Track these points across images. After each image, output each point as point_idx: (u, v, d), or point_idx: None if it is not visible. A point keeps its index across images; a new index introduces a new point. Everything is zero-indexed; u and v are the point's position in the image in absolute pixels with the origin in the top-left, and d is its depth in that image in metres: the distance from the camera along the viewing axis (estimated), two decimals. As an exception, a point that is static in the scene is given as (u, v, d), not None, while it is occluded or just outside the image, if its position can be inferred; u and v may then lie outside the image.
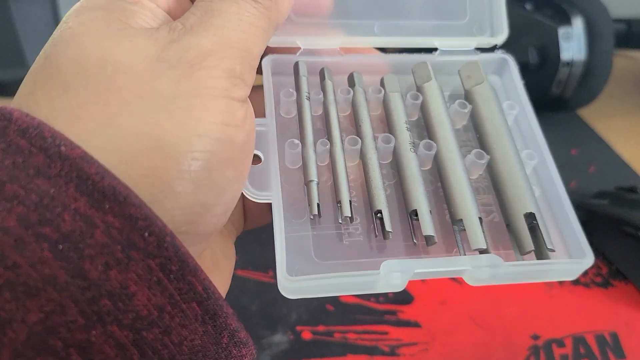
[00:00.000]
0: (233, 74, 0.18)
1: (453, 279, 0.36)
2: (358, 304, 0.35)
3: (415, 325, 0.35)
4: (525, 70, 0.50)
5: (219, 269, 0.22)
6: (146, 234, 0.15)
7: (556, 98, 0.53)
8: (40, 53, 0.19)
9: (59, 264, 0.15)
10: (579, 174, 0.50)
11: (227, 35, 0.18)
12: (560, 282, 0.38)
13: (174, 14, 0.20)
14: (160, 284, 0.16)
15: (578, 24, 0.49)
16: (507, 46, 0.37)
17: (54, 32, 0.19)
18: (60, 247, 0.15)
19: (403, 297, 0.36)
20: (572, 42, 0.49)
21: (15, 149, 0.16)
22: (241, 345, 0.18)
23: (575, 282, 0.39)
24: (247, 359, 0.19)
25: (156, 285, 0.16)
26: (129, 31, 0.18)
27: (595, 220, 0.41)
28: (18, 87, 0.19)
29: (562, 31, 0.49)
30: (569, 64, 0.49)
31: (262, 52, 0.20)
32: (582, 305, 0.38)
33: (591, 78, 0.50)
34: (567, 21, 0.49)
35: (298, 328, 0.34)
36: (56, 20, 0.57)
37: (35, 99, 0.17)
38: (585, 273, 0.37)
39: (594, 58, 0.49)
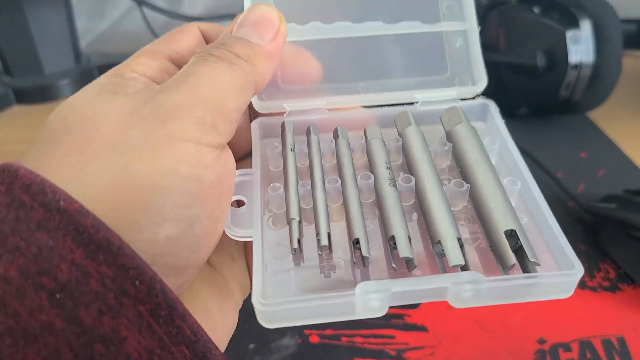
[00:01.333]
0: (203, 123, 0.20)
1: None
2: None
3: (422, 329, 0.35)
4: (534, 73, 0.52)
5: (211, 322, 0.22)
6: (137, 282, 0.17)
7: (565, 101, 0.53)
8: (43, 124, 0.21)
9: (56, 311, 0.16)
10: (588, 177, 0.49)
11: (199, 91, 0.20)
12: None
13: None
14: (150, 328, 0.17)
15: (586, 27, 0.49)
16: (514, 50, 0.38)
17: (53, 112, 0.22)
18: (57, 296, 0.16)
19: (410, 302, 0.36)
20: (581, 45, 0.49)
21: (19, 204, 0.17)
22: None
23: (583, 287, 0.39)
24: None
25: (146, 329, 0.17)
26: (114, 96, 0.21)
27: (603, 224, 0.41)
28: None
29: (570, 34, 0.49)
30: (578, 66, 0.49)
31: (242, 107, 0.22)
32: (589, 310, 0.37)
33: (600, 80, 0.50)
34: (575, 24, 0.49)
35: (306, 332, 0.35)
36: (71, 28, 0.61)
37: (29, 154, 0.20)
38: (593, 277, 0.38)
39: (603, 60, 0.49)
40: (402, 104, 0.28)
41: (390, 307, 0.21)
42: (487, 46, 0.55)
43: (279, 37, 0.24)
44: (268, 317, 0.20)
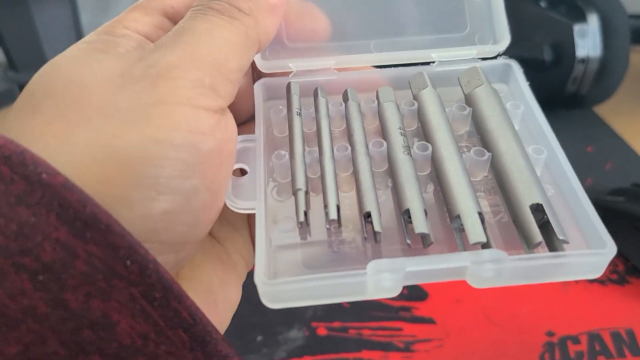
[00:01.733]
0: (201, 85, 0.18)
1: None
2: (373, 300, 0.35)
3: (430, 321, 0.36)
4: (540, 67, 0.52)
5: (212, 298, 0.21)
6: (128, 262, 0.15)
7: (572, 95, 0.53)
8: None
9: (39, 294, 0.15)
10: (595, 171, 0.50)
11: (196, 49, 0.19)
12: (576, 280, 0.36)
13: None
14: (143, 311, 0.16)
15: (593, 21, 0.49)
16: (521, 44, 0.36)
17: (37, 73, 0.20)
18: (41, 277, 0.15)
19: (418, 294, 0.37)
20: (588, 39, 0.49)
21: None
22: None
23: (591, 280, 0.39)
24: None
25: (140, 313, 0.16)
26: (102, 55, 0.19)
27: (611, 217, 0.38)
28: None
29: (577, 28, 0.49)
30: (585, 61, 0.50)
31: (244, 66, 0.20)
32: (597, 302, 0.38)
33: (607, 75, 0.50)
34: (582, 18, 0.49)
35: (314, 324, 0.35)
36: (76, 23, 0.61)
37: (9, 123, 0.18)
38: None
39: (610, 55, 0.49)
40: (417, 64, 0.26)
41: (399, 300, 0.19)
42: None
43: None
44: (272, 297, 0.19)
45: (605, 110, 0.58)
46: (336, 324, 0.35)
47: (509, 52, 0.48)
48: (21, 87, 0.60)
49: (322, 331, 0.35)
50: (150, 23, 0.21)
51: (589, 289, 0.39)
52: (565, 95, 0.53)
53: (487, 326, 0.36)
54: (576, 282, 0.39)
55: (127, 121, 0.17)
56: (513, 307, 0.38)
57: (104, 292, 0.15)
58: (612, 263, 0.40)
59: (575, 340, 0.36)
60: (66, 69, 0.19)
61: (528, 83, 0.25)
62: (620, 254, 0.37)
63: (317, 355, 0.34)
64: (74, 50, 0.20)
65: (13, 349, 0.14)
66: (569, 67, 0.50)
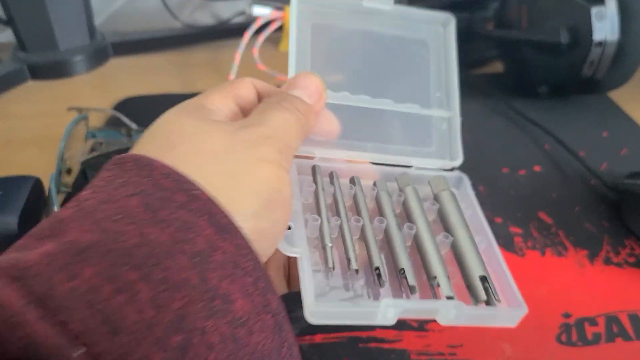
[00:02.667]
0: (281, 152, 0.26)
1: None
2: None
3: None
4: (557, 51, 0.52)
5: None
6: (248, 259, 0.22)
7: (587, 80, 0.53)
8: (145, 133, 0.27)
9: (193, 271, 0.20)
10: (610, 157, 0.51)
11: (277, 131, 0.27)
12: (592, 262, 0.40)
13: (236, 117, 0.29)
14: (250, 296, 0.21)
15: (611, 4, 0.48)
16: (537, 27, 0.41)
17: (154, 125, 0.27)
18: (194, 260, 0.20)
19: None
20: (605, 22, 0.48)
21: (162, 188, 0.22)
22: (294, 357, 0.23)
23: (608, 263, 0.40)
24: None
25: (249, 296, 0.21)
26: (212, 120, 0.27)
27: (628, 200, 0.43)
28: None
29: (595, 10, 0.48)
30: (602, 44, 0.49)
31: (298, 146, 0.29)
32: (615, 285, 0.39)
33: (624, 59, 0.50)
34: (600, 0, 0.48)
35: None
36: (86, 5, 0.64)
37: (144, 154, 0.24)
38: (618, 253, 0.41)
39: (628, 39, 0.48)
40: (400, 166, 0.37)
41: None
42: (509, 23, 0.59)
43: (322, 100, 0.32)
44: (316, 315, 0.28)
45: (620, 96, 0.58)
46: (337, 285, 0.33)
47: (526, 36, 0.52)
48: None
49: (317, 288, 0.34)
50: (227, 105, 0.29)
51: (606, 272, 0.39)
52: (581, 79, 0.52)
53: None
54: (592, 264, 0.40)
55: (240, 165, 0.24)
56: (529, 289, 0.35)
57: (230, 277, 0.21)
58: (630, 246, 0.41)
59: (593, 322, 0.36)
60: (189, 124, 0.26)
61: (472, 192, 0.37)
62: (637, 238, 0.42)
63: (330, 333, 0.35)
64: (181, 111, 0.27)
65: (176, 304, 0.19)
66: (586, 50, 0.49)
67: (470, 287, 0.31)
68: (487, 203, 0.47)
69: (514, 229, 0.45)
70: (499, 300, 0.30)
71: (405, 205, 0.35)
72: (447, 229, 0.34)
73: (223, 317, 0.20)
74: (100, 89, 0.71)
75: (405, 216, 0.35)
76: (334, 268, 0.31)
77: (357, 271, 0.30)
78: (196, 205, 0.22)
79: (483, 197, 0.48)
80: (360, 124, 0.36)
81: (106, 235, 0.20)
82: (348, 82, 0.36)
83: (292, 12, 0.35)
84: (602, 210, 0.46)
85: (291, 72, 0.35)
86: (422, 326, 0.36)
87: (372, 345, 0.35)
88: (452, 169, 0.38)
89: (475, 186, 0.47)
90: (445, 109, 0.39)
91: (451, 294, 0.30)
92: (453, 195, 0.35)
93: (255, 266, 0.22)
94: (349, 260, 0.31)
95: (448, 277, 0.31)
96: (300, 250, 0.30)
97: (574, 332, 0.35)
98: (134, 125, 0.58)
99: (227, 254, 0.21)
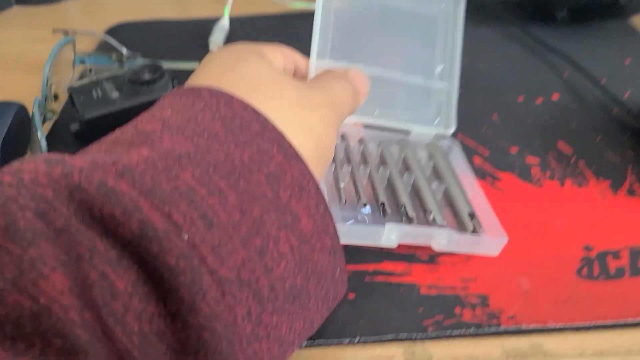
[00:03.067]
0: (337, 118, 0.30)
1: (495, 188, 0.40)
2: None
3: None
4: None
5: None
6: (310, 184, 0.25)
7: (610, 4, 0.52)
8: (206, 67, 0.30)
9: (268, 188, 0.23)
10: (633, 84, 0.49)
11: (337, 100, 0.31)
12: (615, 193, 0.39)
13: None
14: (313, 216, 0.24)
15: None
16: None
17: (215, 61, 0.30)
18: (269, 178, 0.23)
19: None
20: None
21: (240, 116, 0.25)
22: (343, 284, 0.27)
23: (632, 194, 0.39)
24: (341, 295, 0.27)
25: (312, 216, 0.24)
26: (280, 71, 0.30)
27: None
28: None
29: None
30: None
31: (346, 117, 0.33)
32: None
33: None
34: None
35: None
36: None
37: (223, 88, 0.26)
38: None
39: None
40: (400, 130, 0.42)
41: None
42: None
43: (366, 90, 0.35)
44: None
45: None
46: (350, 219, 0.36)
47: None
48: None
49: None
50: (279, 60, 0.33)
51: (630, 203, 0.37)
52: (602, 3, 0.51)
53: (518, 239, 0.35)
54: (615, 195, 0.39)
55: (306, 119, 0.28)
56: (548, 221, 0.36)
57: (297, 196, 0.24)
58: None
59: (616, 255, 0.34)
60: (263, 69, 0.29)
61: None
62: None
63: None
64: (249, 54, 0.30)
65: (257, 212, 0.22)
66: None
67: (459, 221, 0.36)
68: (502, 132, 0.45)
69: (531, 159, 0.43)
70: (482, 231, 0.35)
71: (404, 161, 0.40)
72: (440, 179, 0.39)
73: (292, 230, 0.23)
74: (91, 15, 0.68)
75: (405, 169, 0.40)
76: (345, 203, 0.36)
77: (365, 204, 0.36)
78: (268, 135, 0.24)
79: (497, 125, 0.46)
80: (370, 92, 0.39)
81: (198, 149, 0.22)
82: (363, 54, 0.40)
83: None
84: (626, 140, 0.44)
85: (314, 44, 0.38)
86: (432, 259, 0.35)
87: (380, 278, 0.34)
88: (446, 136, 0.43)
89: (488, 114, 0.45)
90: (445, 81, 0.43)
91: (444, 224, 0.35)
92: (445, 154, 0.41)
93: (316, 191, 0.25)
94: (359, 197, 0.36)
95: (441, 212, 0.36)
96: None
97: (595, 265, 0.34)
98: (124, 51, 0.54)
99: (294, 177, 0.24)
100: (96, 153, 0.22)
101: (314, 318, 0.25)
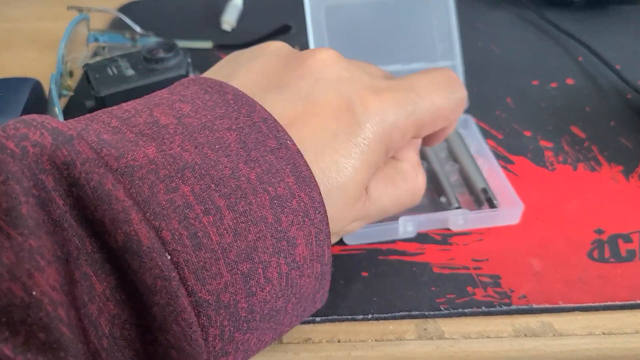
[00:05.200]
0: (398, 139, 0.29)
1: (509, 171, 0.40)
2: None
3: None
4: None
5: None
6: (317, 212, 0.23)
7: None
8: (231, 65, 0.28)
9: (270, 211, 0.22)
10: None
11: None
12: (628, 178, 0.39)
13: None
14: (311, 245, 0.23)
15: None
16: None
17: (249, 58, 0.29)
18: (274, 202, 0.22)
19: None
20: None
21: (258, 129, 0.23)
22: (322, 302, 0.27)
23: None
24: (316, 309, 0.27)
25: (309, 244, 0.23)
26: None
27: None
28: None
29: None
30: None
31: None
32: None
33: None
34: None
35: None
36: None
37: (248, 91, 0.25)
38: None
39: None
40: None
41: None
42: None
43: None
44: (350, 238, 0.35)
45: None
46: None
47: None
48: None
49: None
50: None
51: None
52: None
53: (530, 221, 0.36)
54: (627, 180, 0.39)
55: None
56: (559, 204, 0.37)
57: (299, 224, 0.22)
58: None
59: (627, 238, 0.34)
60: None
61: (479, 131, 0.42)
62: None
63: (348, 245, 0.35)
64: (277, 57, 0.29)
65: (251, 236, 0.21)
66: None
67: (474, 197, 0.37)
68: (516, 116, 0.45)
69: (544, 143, 0.43)
70: (497, 205, 0.36)
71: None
72: (455, 159, 0.40)
73: (285, 257, 0.22)
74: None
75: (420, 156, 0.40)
76: None
77: None
78: (284, 154, 0.23)
79: (511, 109, 0.46)
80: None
81: (206, 161, 0.21)
82: (362, 53, 0.40)
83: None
84: (639, 125, 0.44)
85: (311, 44, 0.39)
86: (445, 240, 0.35)
87: (393, 257, 0.34)
88: None
89: (502, 98, 0.45)
90: (449, 59, 0.43)
91: (457, 205, 0.36)
92: (459, 134, 0.41)
93: (322, 219, 0.23)
94: None
95: (455, 194, 0.37)
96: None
97: (606, 248, 0.34)
98: (138, 29, 0.54)
99: (301, 204, 0.23)
100: (105, 132, 0.21)
101: (284, 330, 0.25)
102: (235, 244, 0.20)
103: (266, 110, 0.24)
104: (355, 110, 0.26)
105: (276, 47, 0.29)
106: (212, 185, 0.21)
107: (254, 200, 0.21)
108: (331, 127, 0.25)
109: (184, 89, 0.25)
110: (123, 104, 0.24)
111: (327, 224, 0.23)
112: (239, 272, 0.20)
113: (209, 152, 0.21)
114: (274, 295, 0.22)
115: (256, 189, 0.21)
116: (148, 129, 0.22)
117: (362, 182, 0.26)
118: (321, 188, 0.24)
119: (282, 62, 0.28)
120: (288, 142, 0.23)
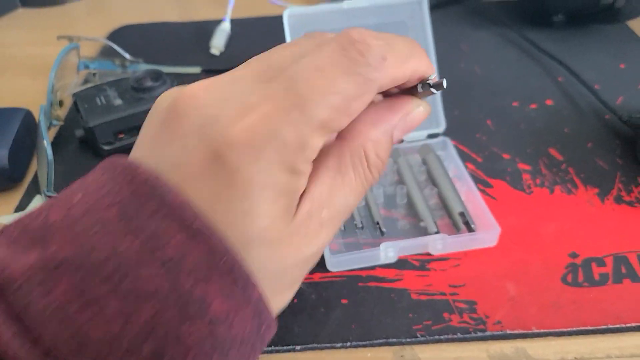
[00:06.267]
0: None
1: (488, 194, 0.41)
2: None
3: None
4: None
5: None
6: (224, 259, 0.20)
7: (606, 7, 0.52)
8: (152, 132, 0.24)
9: (164, 278, 0.19)
10: (627, 90, 0.50)
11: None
12: (603, 200, 0.40)
13: None
14: (229, 295, 0.20)
15: None
16: None
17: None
18: (165, 267, 0.19)
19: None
20: None
21: (137, 194, 0.20)
22: (273, 330, 0.23)
23: (619, 201, 0.39)
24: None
25: (227, 295, 0.20)
26: None
27: None
28: None
29: None
30: None
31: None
32: (625, 225, 0.37)
33: None
34: None
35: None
36: None
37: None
38: (630, 191, 0.40)
39: None
40: None
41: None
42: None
43: None
44: (332, 264, 0.36)
45: (639, 26, 0.56)
46: (350, 240, 0.38)
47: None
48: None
49: (334, 246, 0.37)
50: None
51: (617, 210, 0.38)
52: (599, 7, 0.51)
53: (507, 245, 0.36)
54: (603, 203, 0.40)
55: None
56: (535, 228, 0.37)
57: (204, 280, 0.20)
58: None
59: (601, 262, 0.35)
60: None
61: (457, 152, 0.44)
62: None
63: (329, 272, 0.35)
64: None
65: (145, 315, 0.19)
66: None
67: (452, 221, 0.38)
68: (495, 138, 0.46)
69: (522, 166, 0.44)
70: (475, 228, 0.37)
71: (398, 173, 0.42)
72: (434, 183, 0.41)
73: (199, 319, 0.20)
74: (94, 16, 0.69)
75: (399, 180, 0.42)
76: (344, 228, 0.39)
77: (362, 228, 0.38)
78: (166, 212, 0.20)
79: (491, 131, 0.47)
80: None
81: (81, 249, 0.20)
82: None
83: (285, 24, 0.42)
84: (616, 147, 0.45)
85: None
86: (423, 265, 0.36)
87: (372, 284, 0.35)
88: (437, 135, 0.45)
89: (483, 120, 0.46)
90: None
91: (436, 230, 0.37)
92: (437, 156, 0.42)
93: (233, 264, 0.21)
94: (353, 219, 0.38)
95: (434, 218, 0.38)
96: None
97: (580, 272, 0.35)
98: (127, 56, 0.55)
99: (199, 258, 0.20)
100: (5, 245, 0.20)
101: None
102: (126, 329, 0.19)
103: (149, 170, 0.21)
104: (224, 157, 0.21)
105: (158, 103, 0.25)
106: (90, 274, 0.19)
107: (140, 274, 0.19)
108: (208, 182, 0.22)
109: (87, 177, 0.23)
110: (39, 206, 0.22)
111: (242, 265, 0.21)
112: (143, 355, 0.19)
113: (87, 238, 0.20)
114: (205, 356, 0.20)
115: (141, 260, 0.19)
116: (38, 233, 0.20)
117: (274, 212, 0.22)
118: (235, 234, 0.21)
119: (160, 120, 0.24)
120: (168, 197, 0.20)
